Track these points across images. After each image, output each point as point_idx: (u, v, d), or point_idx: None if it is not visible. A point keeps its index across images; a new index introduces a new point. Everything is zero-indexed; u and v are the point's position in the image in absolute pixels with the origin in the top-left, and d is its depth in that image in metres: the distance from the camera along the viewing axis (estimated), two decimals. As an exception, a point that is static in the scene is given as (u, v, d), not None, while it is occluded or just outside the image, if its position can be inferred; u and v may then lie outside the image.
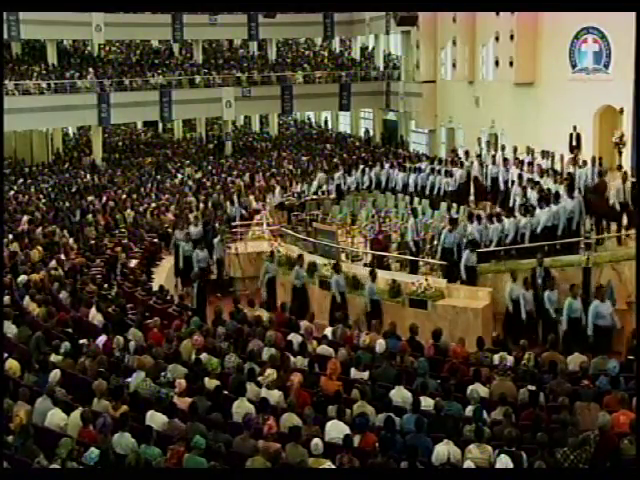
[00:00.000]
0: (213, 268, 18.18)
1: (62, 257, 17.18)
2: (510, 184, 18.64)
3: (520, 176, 18.33)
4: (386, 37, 40.63)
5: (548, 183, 17.50)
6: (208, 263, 17.74)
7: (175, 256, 18.42)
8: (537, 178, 18.05)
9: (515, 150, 20.77)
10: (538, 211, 15.74)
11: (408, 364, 10.87)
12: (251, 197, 24.10)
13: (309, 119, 46.89)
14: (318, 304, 15.87)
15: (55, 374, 9.60)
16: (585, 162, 17.99)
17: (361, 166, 23.81)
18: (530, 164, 19.15)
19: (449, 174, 20.31)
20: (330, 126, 44.57)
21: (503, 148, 21.05)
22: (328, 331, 12.50)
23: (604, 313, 12.53)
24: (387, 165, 22.96)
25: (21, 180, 30.56)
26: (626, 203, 16.23)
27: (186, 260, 17.86)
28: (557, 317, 13.27)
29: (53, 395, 8.91)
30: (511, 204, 17.70)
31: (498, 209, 18.22)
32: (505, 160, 19.70)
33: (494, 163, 20.15)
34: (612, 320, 12.58)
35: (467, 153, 21.28)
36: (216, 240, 18.05)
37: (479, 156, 21.07)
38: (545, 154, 19.83)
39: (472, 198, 20.50)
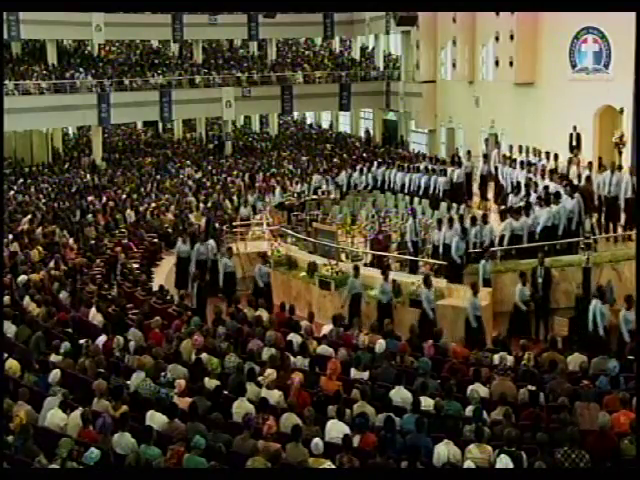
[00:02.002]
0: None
1: (61, 257, 17.17)
2: (515, 185, 18.65)
3: (529, 178, 18.30)
4: (386, 37, 40.66)
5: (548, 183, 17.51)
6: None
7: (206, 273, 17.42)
8: (540, 180, 18.00)
9: (526, 151, 20.69)
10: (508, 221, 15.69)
11: (408, 364, 10.87)
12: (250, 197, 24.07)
13: (304, 120, 46.83)
14: (318, 304, 15.86)
15: (55, 374, 9.60)
16: (604, 167, 17.62)
17: (359, 166, 23.81)
18: (532, 164, 19.15)
19: (444, 173, 20.35)
20: (333, 127, 44.56)
21: (511, 149, 21.03)
22: (326, 331, 12.47)
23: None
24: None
25: (21, 180, 30.57)
26: (614, 197, 16.24)
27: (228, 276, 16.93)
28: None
29: (64, 396, 8.93)
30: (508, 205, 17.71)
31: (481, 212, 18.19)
32: (513, 161, 19.67)
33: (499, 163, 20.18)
34: None
35: (486, 156, 21.08)
36: (211, 241, 17.94)
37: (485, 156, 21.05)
38: (541, 154, 19.83)
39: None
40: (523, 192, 17.67)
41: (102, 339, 11.38)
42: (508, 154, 21.02)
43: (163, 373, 10.01)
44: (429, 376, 10.12)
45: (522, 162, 19.49)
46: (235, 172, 31.44)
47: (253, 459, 7.62)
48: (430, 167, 21.26)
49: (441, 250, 15.36)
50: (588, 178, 17.30)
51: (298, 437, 7.98)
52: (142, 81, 36.54)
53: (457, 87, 31.25)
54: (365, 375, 10.39)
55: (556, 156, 19.57)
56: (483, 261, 14.66)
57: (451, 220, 15.59)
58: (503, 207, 18.18)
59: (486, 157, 21.21)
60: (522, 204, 16.82)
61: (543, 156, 19.80)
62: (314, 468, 7.57)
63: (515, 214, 15.73)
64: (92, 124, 35.33)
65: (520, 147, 21.15)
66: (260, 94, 37.70)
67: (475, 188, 21.36)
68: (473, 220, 15.78)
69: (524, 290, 13.76)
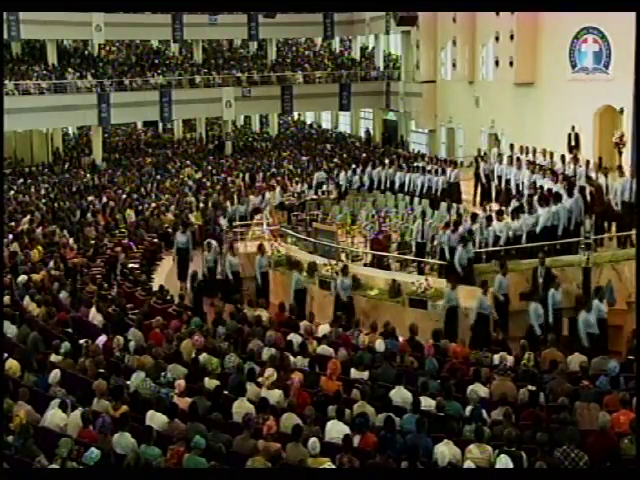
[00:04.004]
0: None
1: (61, 257, 17.18)
2: (521, 185, 18.58)
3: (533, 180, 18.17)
4: (386, 37, 40.65)
5: (548, 183, 17.47)
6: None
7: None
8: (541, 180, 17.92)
9: (533, 152, 20.52)
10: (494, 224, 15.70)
11: (408, 364, 10.87)
12: (251, 197, 24.08)
13: (303, 122, 46.80)
14: (318, 304, 15.86)
15: (55, 374, 9.60)
16: (622, 173, 17.34)
17: (353, 166, 23.79)
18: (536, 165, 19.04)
19: (442, 173, 20.33)
20: (337, 127, 44.54)
21: (512, 148, 20.88)
22: (324, 331, 12.44)
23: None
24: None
25: (21, 180, 30.58)
26: (631, 203, 16.12)
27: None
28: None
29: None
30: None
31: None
32: (518, 161, 19.54)
33: (501, 163, 20.05)
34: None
35: (500, 156, 20.89)
36: (207, 241, 17.93)
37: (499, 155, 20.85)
38: (553, 156, 19.68)
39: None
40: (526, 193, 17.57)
41: (102, 339, 11.38)
42: (515, 155, 20.77)
43: (163, 373, 10.01)
44: (430, 376, 10.13)
45: (527, 162, 19.36)
46: (235, 173, 31.45)
47: (253, 459, 7.62)
48: (423, 167, 21.22)
49: (447, 255, 15.25)
50: (589, 178, 17.17)
51: (298, 437, 7.98)
52: (142, 81, 36.55)
53: (457, 87, 31.24)
54: (365, 375, 10.39)
55: (551, 154, 19.54)
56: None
57: (456, 224, 15.48)
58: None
59: (500, 156, 20.92)
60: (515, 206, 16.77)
61: (556, 158, 19.55)
62: (314, 468, 7.57)
63: (498, 215, 15.76)
64: (92, 124, 35.32)
65: (520, 148, 21.06)
66: (260, 94, 37.71)
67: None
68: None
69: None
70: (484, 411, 9.12)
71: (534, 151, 20.41)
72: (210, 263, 17.24)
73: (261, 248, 16.75)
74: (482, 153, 22.68)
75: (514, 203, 17.22)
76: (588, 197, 16.46)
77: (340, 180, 22.91)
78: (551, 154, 19.73)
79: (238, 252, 17.46)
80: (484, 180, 20.55)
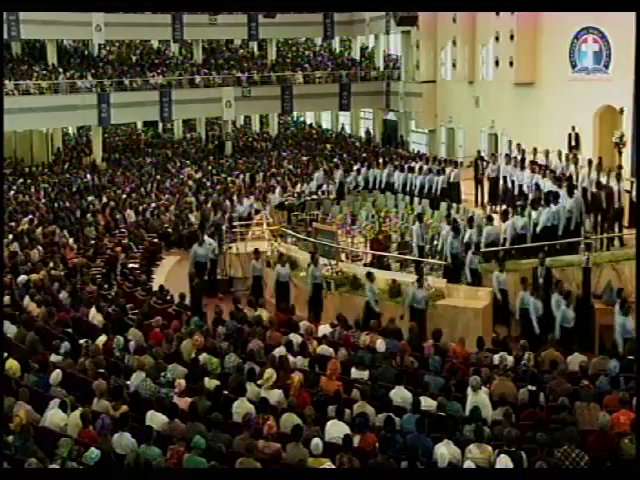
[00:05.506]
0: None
1: (61, 257, 17.18)
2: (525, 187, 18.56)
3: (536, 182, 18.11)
4: (386, 37, 40.67)
5: (548, 184, 17.44)
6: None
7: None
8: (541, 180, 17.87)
9: (535, 152, 20.40)
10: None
11: (408, 364, 10.87)
12: (251, 197, 24.09)
13: (302, 121, 46.75)
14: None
15: (56, 374, 9.59)
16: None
17: (356, 166, 23.77)
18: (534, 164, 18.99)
19: (442, 172, 20.31)
20: (343, 129, 44.53)
21: (530, 151, 20.77)
22: (324, 331, 12.45)
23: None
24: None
25: (21, 180, 30.58)
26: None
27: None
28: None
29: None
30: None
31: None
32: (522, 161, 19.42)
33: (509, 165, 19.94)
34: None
35: (508, 156, 20.70)
36: (208, 240, 17.93)
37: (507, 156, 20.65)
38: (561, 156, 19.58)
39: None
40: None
41: (102, 339, 11.39)
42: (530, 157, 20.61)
43: (163, 373, 10.01)
44: (434, 374, 10.12)
45: (530, 163, 19.28)
46: (235, 173, 31.46)
47: (241, 460, 7.60)
48: (422, 166, 21.19)
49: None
50: (599, 184, 16.99)
51: (298, 437, 7.98)
52: (142, 81, 36.55)
53: (457, 87, 31.26)
54: (365, 375, 10.38)
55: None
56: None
57: (455, 230, 15.39)
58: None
59: (508, 156, 20.69)
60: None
61: (564, 159, 19.40)
62: (314, 468, 7.57)
63: (488, 220, 15.75)
64: (92, 124, 35.34)
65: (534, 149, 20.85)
66: (260, 94, 37.72)
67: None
68: (470, 220, 15.79)
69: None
70: (485, 394, 9.12)
71: (547, 153, 20.15)
72: (201, 259, 17.16)
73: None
74: (489, 154, 22.56)
75: (519, 204, 17.22)
76: (602, 202, 16.39)
77: (315, 179, 22.85)
78: (566, 156, 19.56)
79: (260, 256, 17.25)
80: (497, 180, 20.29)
